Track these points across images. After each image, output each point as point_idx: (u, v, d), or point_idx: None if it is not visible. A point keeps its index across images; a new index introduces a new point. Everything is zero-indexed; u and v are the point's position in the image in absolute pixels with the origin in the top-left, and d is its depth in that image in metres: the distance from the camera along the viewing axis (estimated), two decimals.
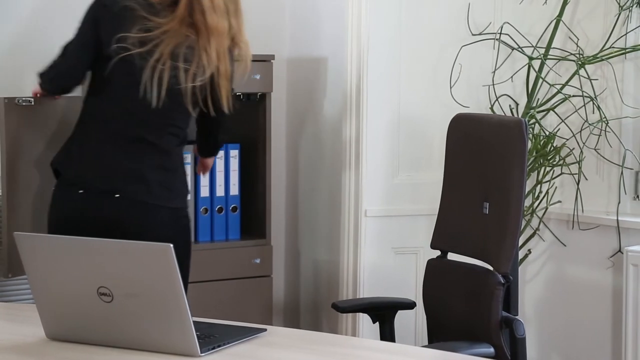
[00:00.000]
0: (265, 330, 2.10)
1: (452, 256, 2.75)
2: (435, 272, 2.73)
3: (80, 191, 2.51)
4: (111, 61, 2.48)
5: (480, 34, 3.40)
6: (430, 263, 2.75)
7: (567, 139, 3.40)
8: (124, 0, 2.49)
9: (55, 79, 2.61)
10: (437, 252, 2.76)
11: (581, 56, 3.33)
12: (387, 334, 2.69)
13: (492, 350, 2.37)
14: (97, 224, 2.46)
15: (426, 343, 2.78)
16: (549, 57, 3.36)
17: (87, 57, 2.55)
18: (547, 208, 3.45)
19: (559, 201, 3.47)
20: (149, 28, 2.47)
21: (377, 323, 2.73)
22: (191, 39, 2.50)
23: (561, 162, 3.39)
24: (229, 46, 2.55)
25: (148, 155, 2.53)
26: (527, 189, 3.33)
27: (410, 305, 2.75)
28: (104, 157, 2.52)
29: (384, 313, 2.71)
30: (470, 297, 2.58)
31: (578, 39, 3.38)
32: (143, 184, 2.52)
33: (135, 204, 2.51)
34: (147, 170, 2.52)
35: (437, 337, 2.71)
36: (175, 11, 2.49)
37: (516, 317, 2.52)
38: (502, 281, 2.49)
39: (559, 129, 3.41)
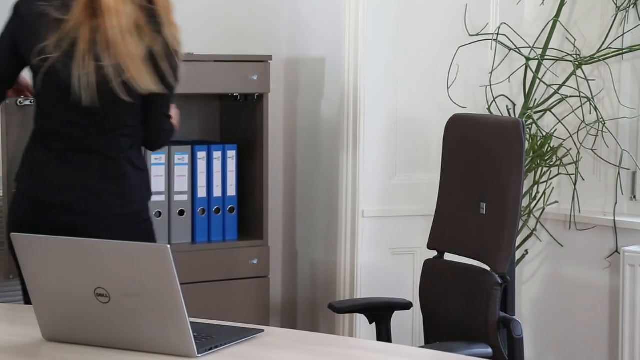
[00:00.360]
0: (262, 330, 2.10)
1: (448, 257, 2.75)
2: (432, 273, 2.73)
3: (32, 204, 2.46)
4: (38, 76, 2.42)
5: (477, 34, 3.40)
6: (427, 263, 2.75)
7: (564, 140, 3.40)
8: (39, 5, 2.40)
9: None
10: (434, 253, 2.76)
11: (578, 57, 3.33)
12: (384, 335, 2.69)
13: (490, 350, 2.38)
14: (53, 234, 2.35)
15: (423, 344, 2.79)
16: (546, 57, 3.37)
17: (7, 70, 2.48)
18: (544, 208, 3.45)
19: (556, 201, 3.48)
20: (63, 29, 2.38)
21: (374, 324, 2.73)
22: (100, 25, 2.37)
23: (558, 162, 3.40)
24: (137, 22, 2.38)
25: (94, 164, 2.46)
26: (525, 190, 3.34)
27: (406, 305, 2.75)
28: (51, 170, 2.46)
29: (380, 314, 2.71)
30: (467, 297, 2.58)
31: (575, 40, 3.38)
32: (92, 195, 2.45)
33: (87, 215, 2.44)
34: (94, 181, 2.45)
35: (434, 337, 2.71)
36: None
37: (513, 317, 2.52)
38: (500, 281, 2.49)
39: (556, 130, 3.41)
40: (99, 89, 2.39)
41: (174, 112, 2.63)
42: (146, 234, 2.53)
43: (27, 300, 2.42)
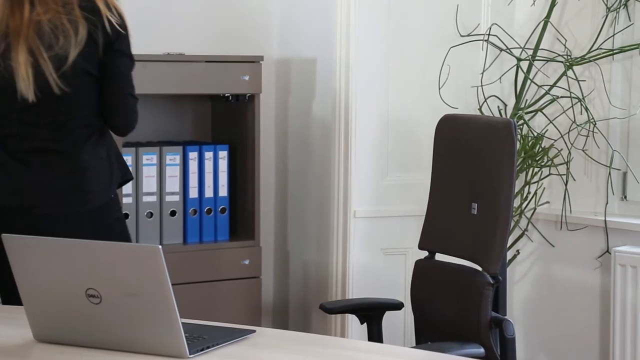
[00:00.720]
0: (254, 331, 2.10)
1: (440, 257, 2.75)
2: (423, 273, 2.73)
3: None
4: None
5: (468, 35, 3.41)
6: (418, 264, 2.75)
7: (555, 140, 3.41)
8: None
9: None
10: (426, 253, 2.76)
11: (569, 57, 3.34)
12: (375, 335, 2.69)
13: (482, 350, 2.38)
14: None
15: (414, 344, 2.79)
16: (537, 58, 3.37)
17: None
18: (535, 209, 3.46)
19: (547, 202, 3.48)
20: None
21: (365, 324, 2.73)
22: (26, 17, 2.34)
23: (549, 163, 3.40)
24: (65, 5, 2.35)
25: (53, 162, 2.42)
26: (516, 190, 3.34)
27: (398, 305, 2.75)
28: (10, 173, 2.43)
29: (371, 314, 2.71)
30: (459, 297, 2.58)
31: (566, 40, 3.39)
32: (52, 195, 2.41)
33: (51, 217, 2.41)
34: (53, 179, 2.41)
35: (425, 337, 2.71)
36: None
37: (505, 317, 2.53)
38: (492, 281, 2.49)
39: (547, 130, 3.42)
40: (38, 84, 2.35)
41: None
42: (115, 226, 2.46)
43: (5, 301, 2.42)
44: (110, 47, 2.41)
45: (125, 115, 2.48)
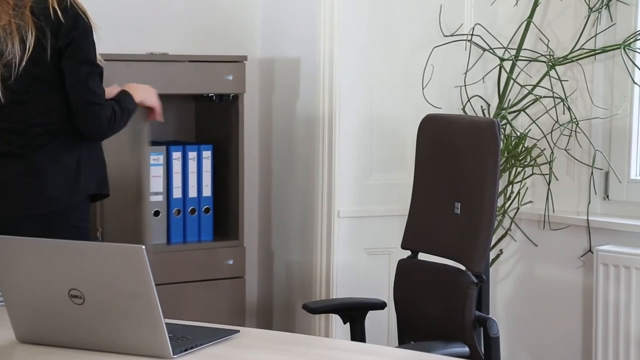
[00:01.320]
0: (238, 331, 2.10)
1: (422, 256, 2.75)
2: (407, 273, 2.74)
3: None
4: None
5: (452, 35, 3.41)
6: (401, 263, 2.76)
7: (538, 140, 3.42)
8: None
9: None
10: (409, 253, 2.76)
11: (552, 57, 3.36)
12: (358, 335, 2.69)
13: (467, 349, 2.38)
14: None
15: (397, 344, 2.79)
16: (519, 58, 3.39)
17: None
18: (518, 208, 3.47)
19: (530, 201, 3.50)
20: None
21: (348, 324, 2.73)
22: None
23: (532, 162, 3.42)
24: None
25: (9, 165, 2.42)
26: (499, 190, 3.35)
27: (380, 305, 2.75)
28: None
29: (354, 314, 2.71)
30: (443, 296, 2.59)
31: (549, 40, 3.40)
32: (7, 197, 2.42)
33: (9, 219, 2.42)
34: (8, 182, 2.42)
35: (408, 337, 2.71)
36: None
37: (489, 316, 2.53)
38: (476, 281, 2.50)
39: (530, 130, 3.43)
40: None
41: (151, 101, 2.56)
42: (72, 232, 2.42)
43: None
44: (62, 53, 2.37)
45: (88, 122, 2.43)
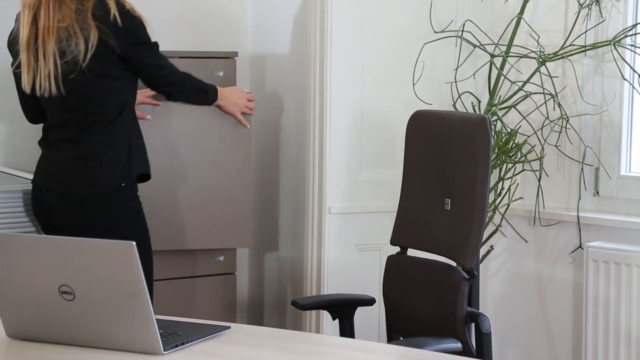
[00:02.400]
0: (229, 327, 2.10)
1: (411, 252, 2.75)
2: (396, 269, 2.74)
3: (34, 185, 2.82)
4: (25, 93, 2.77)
5: (442, 31, 3.42)
6: (391, 259, 2.76)
7: (529, 136, 3.42)
8: (20, 17, 2.73)
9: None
10: (399, 249, 2.76)
11: (542, 54, 3.36)
12: (347, 331, 2.68)
13: (459, 345, 2.38)
14: (48, 215, 2.78)
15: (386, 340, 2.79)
16: (510, 54, 3.39)
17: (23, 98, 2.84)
18: (509, 204, 3.48)
19: (521, 197, 3.50)
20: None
21: (338, 320, 2.72)
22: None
23: (522, 158, 3.42)
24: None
25: (70, 150, 2.74)
26: (489, 186, 3.36)
27: (369, 301, 2.75)
28: (44, 157, 2.81)
29: (343, 310, 2.71)
30: (433, 292, 2.59)
31: (539, 37, 3.41)
32: (70, 177, 2.73)
33: (73, 196, 2.72)
34: (70, 164, 2.73)
35: (397, 333, 2.71)
36: None
37: (481, 312, 2.54)
38: (467, 276, 2.50)
39: (520, 126, 3.44)
40: (56, 85, 2.69)
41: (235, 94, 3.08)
42: (126, 211, 2.76)
43: None
44: (124, 49, 2.70)
45: (170, 88, 2.90)
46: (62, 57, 2.65)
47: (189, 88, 2.94)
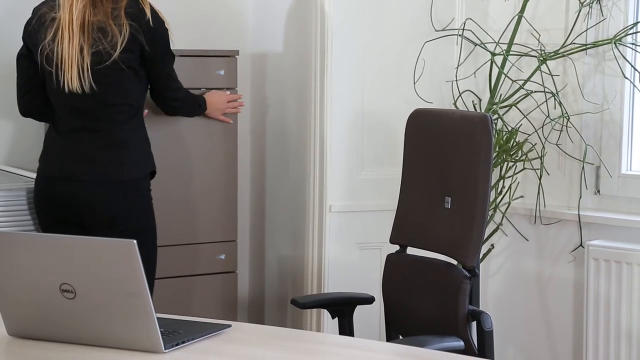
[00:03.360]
0: (229, 326, 2.10)
1: (411, 250, 2.75)
2: (395, 267, 2.73)
3: (44, 176, 2.82)
4: (45, 74, 2.77)
5: (443, 30, 3.42)
6: (390, 258, 2.76)
7: (529, 135, 3.42)
8: (40, 9, 2.78)
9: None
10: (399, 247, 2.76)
11: (543, 52, 3.36)
12: (346, 329, 2.68)
13: (462, 343, 2.37)
14: (60, 205, 2.77)
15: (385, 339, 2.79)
16: (511, 53, 3.39)
17: (32, 88, 2.84)
18: (509, 203, 3.48)
19: (522, 196, 3.50)
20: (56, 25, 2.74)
21: (337, 318, 2.72)
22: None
23: (523, 157, 3.42)
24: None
25: (96, 138, 2.78)
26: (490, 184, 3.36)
27: (369, 300, 2.74)
28: (57, 147, 2.82)
29: (342, 308, 2.70)
30: (434, 291, 2.59)
31: (540, 35, 3.40)
32: (94, 164, 2.76)
33: (91, 183, 2.76)
34: (96, 152, 2.77)
35: (396, 331, 2.71)
36: None
37: (483, 310, 2.54)
38: (468, 275, 2.50)
39: (521, 125, 3.44)
40: (85, 77, 2.73)
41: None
42: (139, 203, 2.81)
43: None
44: (148, 49, 2.77)
45: (176, 102, 2.98)
46: (92, 47, 2.71)
47: (189, 105, 3.05)
